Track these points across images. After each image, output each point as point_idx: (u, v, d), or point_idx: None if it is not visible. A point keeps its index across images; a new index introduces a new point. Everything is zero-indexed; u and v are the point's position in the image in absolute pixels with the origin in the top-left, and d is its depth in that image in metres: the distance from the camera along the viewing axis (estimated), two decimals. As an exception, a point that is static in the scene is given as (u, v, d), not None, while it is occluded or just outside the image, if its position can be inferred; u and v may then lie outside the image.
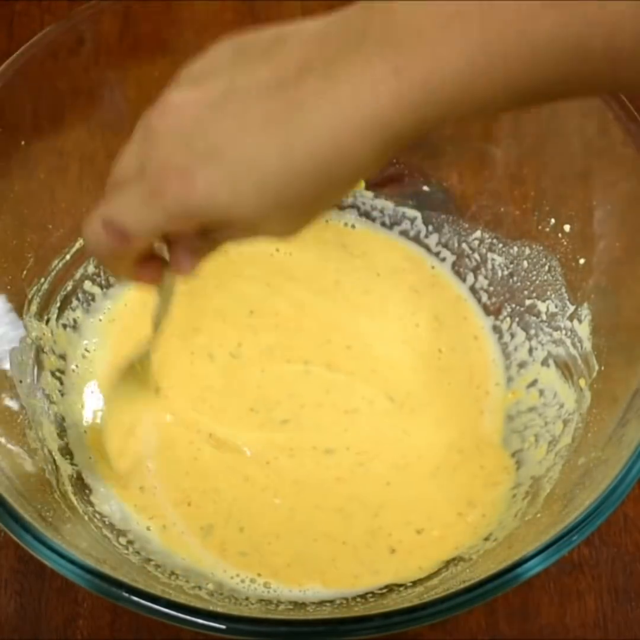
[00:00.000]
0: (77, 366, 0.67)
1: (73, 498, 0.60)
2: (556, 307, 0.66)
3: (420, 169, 0.71)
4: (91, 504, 0.61)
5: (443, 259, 0.72)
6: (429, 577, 0.59)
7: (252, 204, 0.40)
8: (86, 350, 0.67)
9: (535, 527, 0.56)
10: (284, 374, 0.67)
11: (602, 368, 0.61)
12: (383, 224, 0.73)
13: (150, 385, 0.63)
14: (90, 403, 0.65)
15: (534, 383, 0.67)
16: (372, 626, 0.48)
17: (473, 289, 0.71)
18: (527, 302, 0.68)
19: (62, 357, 0.66)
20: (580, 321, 0.64)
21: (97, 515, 0.60)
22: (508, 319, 0.69)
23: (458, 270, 0.71)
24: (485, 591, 0.48)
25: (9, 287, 0.62)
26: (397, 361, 0.68)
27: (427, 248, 0.72)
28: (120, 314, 0.69)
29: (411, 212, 0.72)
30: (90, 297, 0.68)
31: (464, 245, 0.71)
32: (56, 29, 0.61)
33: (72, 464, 0.62)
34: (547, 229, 0.67)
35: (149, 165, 0.42)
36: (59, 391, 0.65)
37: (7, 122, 0.60)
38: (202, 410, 0.65)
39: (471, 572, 0.57)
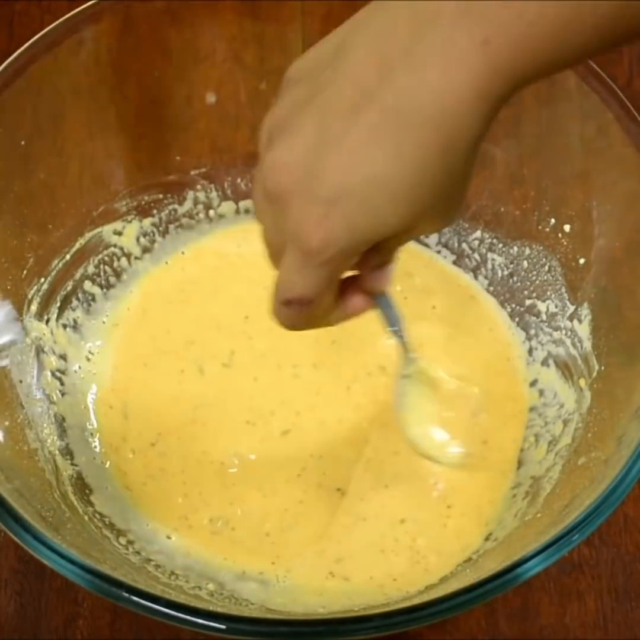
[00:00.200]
0: (80, 368, 0.67)
1: (73, 498, 0.60)
2: (556, 307, 0.66)
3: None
4: (91, 504, 0.61)
5: (443, 259, 0.72)
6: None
7: (395, 219, 0.40)
8: (90, 352, 0.67)
9: (535, 527, 0.56)
10: (275, 382, 0.67)
11: (602, 368, 0.61)
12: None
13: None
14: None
15: (534, 383, 0.67)
16: (372, 626, 0.47)
17: (473, 289, 0.71)
18: (527, 302, 0.68)
19: (63, 357, 0.66)
20: (580, 321, 0.64)
21: (97, 515, 0.60)
22: (508, 318, 0.69)
23: (458, 270, 0.72)
24: (485, 591, 0.48)
25: (9, 287, 0.62)
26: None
27: (427, 248, 0.72)
28: (123, 318, 0.69)
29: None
30: (90, 297, 0.69)
31: (464, 245, 0.71)
32: (56, 29, 0.61)
33: (72, 464, 0.62)
34: (547, 229, 0.67)
35: (288, 231, 0.42)
36: (59, 391, 0.65)
37: (7, 122, 0.60)
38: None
39: (471, 572, 0.57)
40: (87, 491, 0.61)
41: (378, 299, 0.50)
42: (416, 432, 0.60)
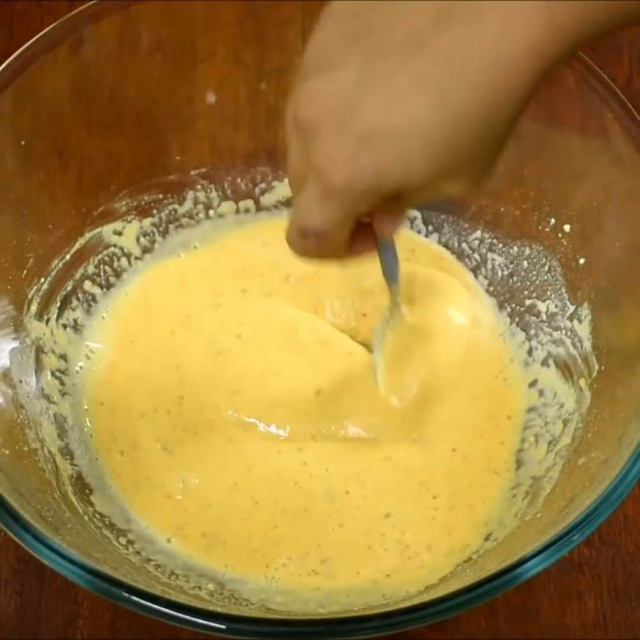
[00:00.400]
0: (81, 367, 0.67)
1: (73, 498, 0.60)
2: (556, 307, 0.66)
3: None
4: (91, 504, 0.61)
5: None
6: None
7: (425, 169, 0.40)
8: (91, 350, 0.67)
9: (535, 527, 0.56)
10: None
11: (602, 368, 0.61)
12: (383, 224, 0.73)
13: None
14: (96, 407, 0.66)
15: (534, 383, 0.67)
16: (372, 626, 0.48)
17: (473, 289, 0.71)
18: (527, 302, 0.68)
19: (63, 357, 0.66)
20: (580, 321, 0.64)
21: (97, 515, 0.60)
22: (508, 319, 0.69)
23: (458, 270, 0.72)
24: (485, 591, 0.48)
25: (9, 287, 0.62)
26: None
27: (427, 248, 0.72)
28: (122, 313, 0.69)
29: (411, 212, 0.72)
30: (90, 297, 0.69)
31: (464, 245, 0.71)
32: (56, 29, 0.61)
33: (72, 464, 0.62)
34: (547, 229, 0.67)
35: (315, 162, 0.41)
36: (59, 391, 0.65)
37: (7, 122, 0.60)
38: None
39: (471, 572, 0.57)
40: (87, 491, 0.61)
41: (383, 247, 0.51)
42: (387, 379, 0.62)
